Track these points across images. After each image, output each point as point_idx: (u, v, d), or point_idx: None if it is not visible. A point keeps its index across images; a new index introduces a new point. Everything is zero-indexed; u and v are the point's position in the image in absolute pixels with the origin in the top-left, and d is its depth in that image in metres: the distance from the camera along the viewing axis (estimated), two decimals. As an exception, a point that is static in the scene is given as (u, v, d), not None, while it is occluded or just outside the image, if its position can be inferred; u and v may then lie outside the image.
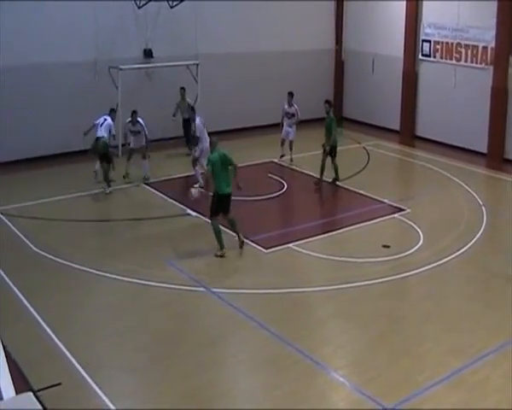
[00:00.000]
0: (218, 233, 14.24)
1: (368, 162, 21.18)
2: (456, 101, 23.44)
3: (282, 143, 21.06)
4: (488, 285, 13.79)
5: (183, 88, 21.33)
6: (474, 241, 15.46)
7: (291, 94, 20.84)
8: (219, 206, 14.18)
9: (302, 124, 25.15)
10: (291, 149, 20.85)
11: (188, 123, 21.37)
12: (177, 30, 22.54)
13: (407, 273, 13.78)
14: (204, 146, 17.63)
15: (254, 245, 14.84)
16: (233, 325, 11.78)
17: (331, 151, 18.84)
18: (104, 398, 9.54)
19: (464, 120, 23.16)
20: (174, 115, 21.53)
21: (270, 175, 18.22)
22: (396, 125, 25.37)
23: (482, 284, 13.96)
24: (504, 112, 22.11)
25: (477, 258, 14.84)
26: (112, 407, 9.38)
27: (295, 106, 20.83)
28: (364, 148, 22.90)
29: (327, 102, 19.22)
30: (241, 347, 11.16)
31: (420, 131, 24.91)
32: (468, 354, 10.93)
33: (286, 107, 20.98)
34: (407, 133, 25.02)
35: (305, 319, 12.06)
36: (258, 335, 11.44)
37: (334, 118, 19.11)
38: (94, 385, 9.82)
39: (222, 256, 14.19)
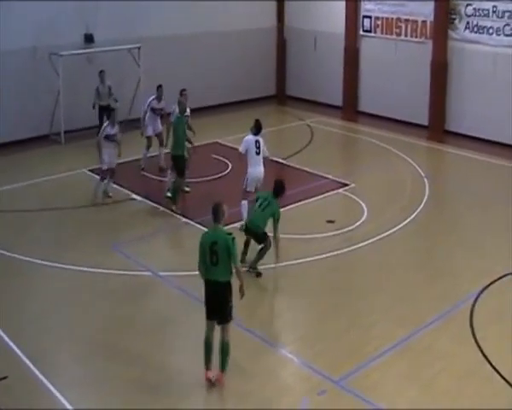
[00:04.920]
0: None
1: (311, 139, 21.29)
2: (398, 75, 23.68)
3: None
4: (432, 255, 14.09)
5: (102, 71, 20.69)
6: (417, 212, 15.73)
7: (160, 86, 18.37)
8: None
9: (244, 104, 25.19)
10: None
11: (107, 110, 20.11)
12: (118, 13, 22.19)
13: (353, 247, 13.96)
14: None
15: (200, 227, 14.84)
16: (180, 307, 11.80)
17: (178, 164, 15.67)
18: (52, 389, 9.47)
19: (405, 94, 23.42)
20: (94, 106, 20.50)
21: (214, 156, 18.18)
22: (339, 102, 25.51)
23: (426, 253, 14.26)
24: (444, 84, 22.44)
25: (420, 228, 15.14)
26: (60, 397, 9.32)
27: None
28: (308, 125, 23.00)
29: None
30: (189, 329, 11.16)
31: (362, 107, 25.12)
32: (414, 323, 11.18)
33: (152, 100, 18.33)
34: (350, 109, 25.20)
35: (254, 297, 12.07)
36: (202, 314, 11.45)
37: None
38: (41, 377, 9.73)
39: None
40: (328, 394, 9.46)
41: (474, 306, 11.71)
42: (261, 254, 12.78)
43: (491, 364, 10.13)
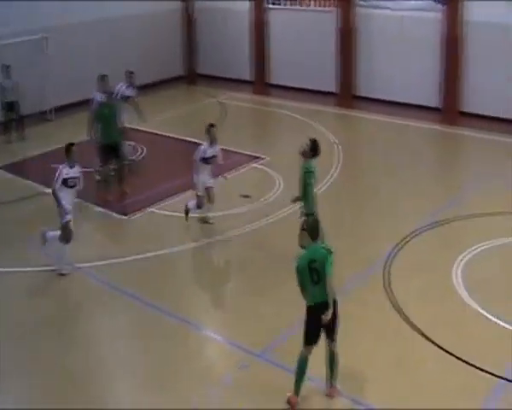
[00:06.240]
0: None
1: (224, 116, 21.29)
2: (306, 45, 23.85)
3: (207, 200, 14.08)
4: (347, 219, 14.33)
5: (6, 65, 19.92)
6: (331, 179, 15.95)
7: (213, 126, 14.06)
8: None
9: (154, 86, 24.88)
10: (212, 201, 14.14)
11: (12, 107, 20.04)
12: (21, 4, 21.59)
13: (269, 219, 14.12)
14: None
15: (114, 214, 14.71)
16: (100, 297, 11.71)
17: None
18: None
19: (314, 63, 23.64)
20: (2, 105, 19.84)
21: (126, 142, 17.92)
22: (250, 76, 25.59)
23: (342, 218, 14.47)
24: (352, 51, 22.81)
25: (335, 194, 15.35)
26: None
27: (217, 146, 14.02)
28: (220, 102, 22.99)
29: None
30: (109, 318, 11.17)
31: (273, 79, 25.21)
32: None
33: (206, 147, 13.82)
34: (260, 83, 25.27)
35: (173, 281, 12.14)
36: (125, 303, 11.44)
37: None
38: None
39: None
40: (250, 368, 9.60)
41: (389, 264, 12.04)
42: None
43: (406, 319, 10.45)
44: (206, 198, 13.89)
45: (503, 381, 9.23)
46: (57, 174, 12.07)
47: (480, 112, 20.23)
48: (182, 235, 13.82)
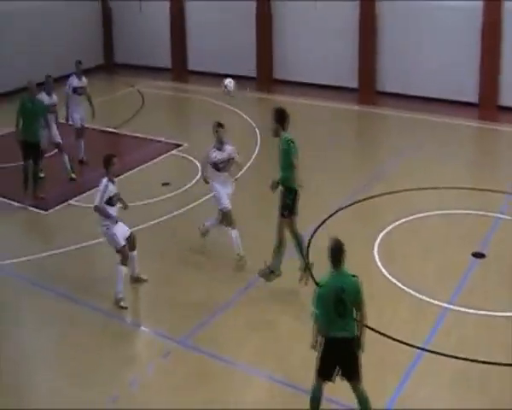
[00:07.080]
0: None
1: (142, 104, 21.03)
2: (224, 31, 23.93)
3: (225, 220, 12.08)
4: (270, 199, 14.27)
5: None
6: (252, 160, 15.96)
7: (220, 125, 12.25)
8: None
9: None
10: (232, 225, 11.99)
11: None
12: None
13: (191, 205, 14.03)
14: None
15: (32, 209, 14.31)
16: (20, 294, 11.43)
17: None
18: None
19: (233, 48, 23.68)
20: None
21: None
22: (168, 63, 25.38)
23: (265, 199, 14.32)
24: (269, 36, 23.10)
25: (257, 176, 15.30)
26: None
27: (229, 145, 12.31)
28: (138, 90, 22.68)
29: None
30: (31, 314, 10.91)
31: (192, 66, 25.12)
32: (253, 271, 11.28)
33: (214, 153, 12.11)
34: (179, 69, 25.16)
35: (92, 272, 11.92)
36: (47, 298, 11.20)
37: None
38: None
39: None
40: (172, 355, 9.57)
41: (313, 240, 12.19)
42: None
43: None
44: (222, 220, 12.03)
45: (424, 352, 9.43)
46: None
47: (399, 91, 20.73)
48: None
